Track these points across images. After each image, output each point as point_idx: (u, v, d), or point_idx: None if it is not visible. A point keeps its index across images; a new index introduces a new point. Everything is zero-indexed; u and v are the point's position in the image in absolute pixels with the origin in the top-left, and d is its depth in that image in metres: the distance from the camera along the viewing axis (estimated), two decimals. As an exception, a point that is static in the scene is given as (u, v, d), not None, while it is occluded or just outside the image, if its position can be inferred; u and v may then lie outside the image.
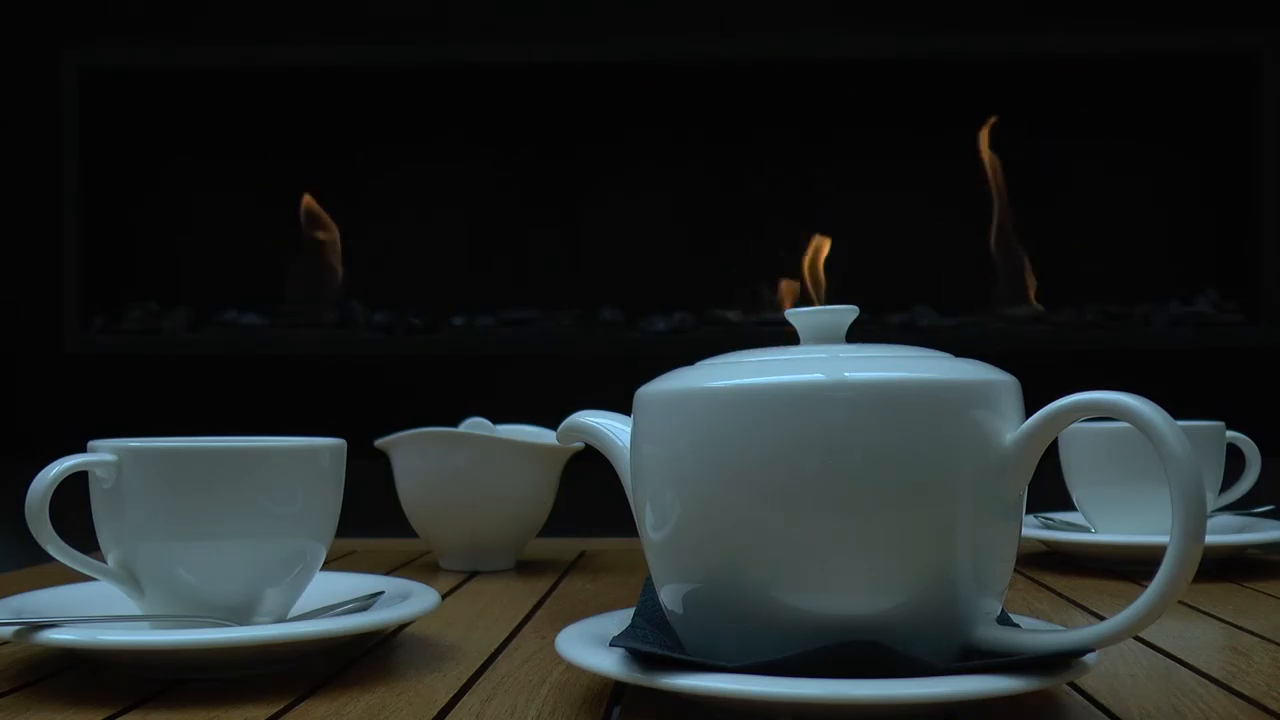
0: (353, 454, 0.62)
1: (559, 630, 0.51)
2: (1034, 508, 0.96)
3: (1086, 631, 0.43)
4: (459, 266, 2.67)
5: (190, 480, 0.55)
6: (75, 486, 0.56)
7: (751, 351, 0.48)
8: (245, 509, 0.55)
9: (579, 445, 0.81)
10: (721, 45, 2.57)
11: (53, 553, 0.55)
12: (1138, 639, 0.61)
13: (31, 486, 0.54)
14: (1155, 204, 2.62)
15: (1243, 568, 0.87)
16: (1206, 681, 0.53)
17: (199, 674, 0.53)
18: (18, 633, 0.52)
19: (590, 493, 0.98)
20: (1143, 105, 2.62)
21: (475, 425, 0.92)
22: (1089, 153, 2.62)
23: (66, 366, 2.53)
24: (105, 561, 0.57)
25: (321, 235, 2.38)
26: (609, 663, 0.45)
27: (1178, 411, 0.47)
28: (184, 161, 2.68)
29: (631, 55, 2.56)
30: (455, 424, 0.91)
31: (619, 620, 0.52)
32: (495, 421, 0.94)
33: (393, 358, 2.52)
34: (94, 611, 0.58)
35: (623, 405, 0.52)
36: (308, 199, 2.42)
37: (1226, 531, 0.89)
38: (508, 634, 0.65)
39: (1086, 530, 0.92)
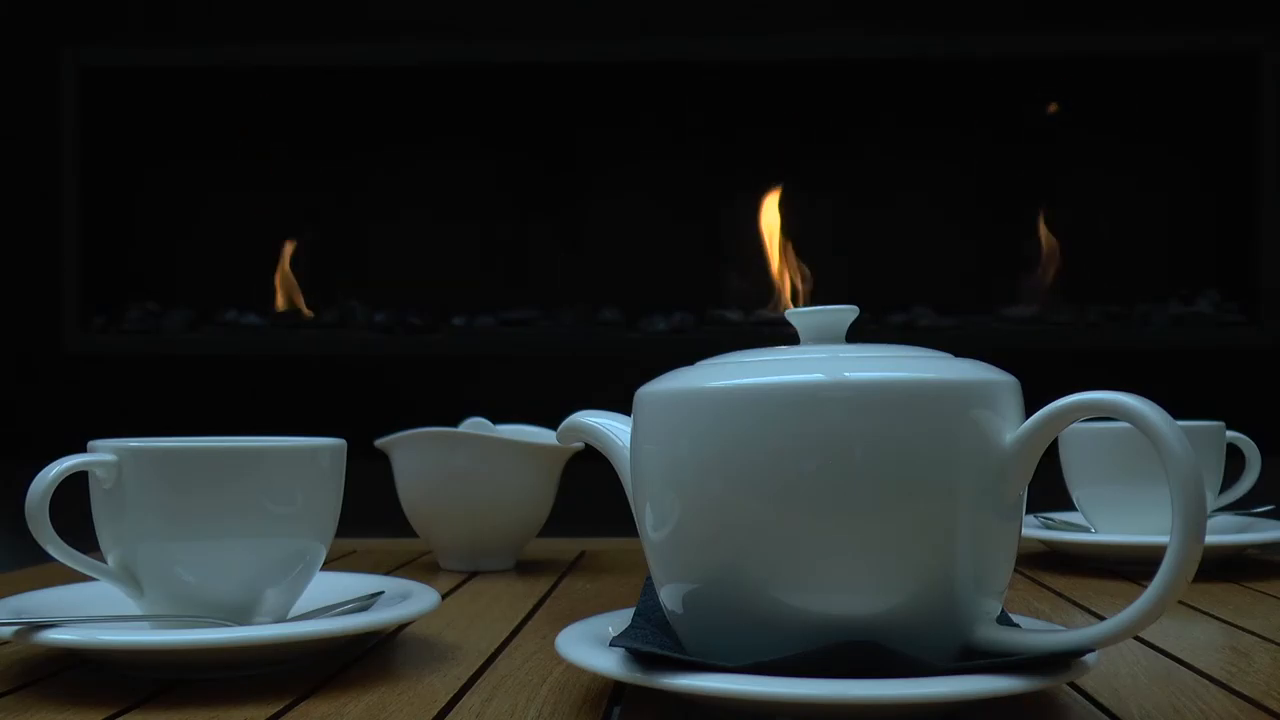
0: (353, 454, 0.62)
1: (559, 630, 0.51)
2: (1034, 508, 0.96)
3: (1086, 631, 0.43)
4: (459, 266, 2.67)
5: (190, 480, 0.55)
6: (75, 486, 0.56)
7: (751, 351, 0.48)
8: (245, 509, 0.55)
9: (579, 445, 0.81)
10: (722, 45, 2.57)
11: (53, 553, 0.55)
12: (1138, 639, 0.61)
13: (31, 486, 0.54)
14: (1155, 204, 2.62)
15: (1243, 568, 0.87)
16: (1206, 681, 0.53)
17: (199, 674, 0.53)
18: (18, 633, 0.52)
19: (590, 493, 0.98)
20: (1143, 105, 2.62)
21: (475, 425, 0.92)
22: (1089, 152, 2.62)
23: (66, 366, 2.53)
24: (105, 561, 0.57)
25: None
26: (609, 663, 0.45)
27: (1178, 411, 0.47)
28: (184, 161, 2.68)
29: (631, 55, 2.56)
30: (455, 424, 0.91)
31: (619, 620, 0.52)
32: (495, 421, 0.94)
33: (393, 358, 2.52)
34: (94, 611, 0.58)
35: (623, 405, 0.52)
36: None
37: (1226, 531, 0.89)
38: (508, 634, 0.65)
39: (1086, 530, 0.92)
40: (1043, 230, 2.55)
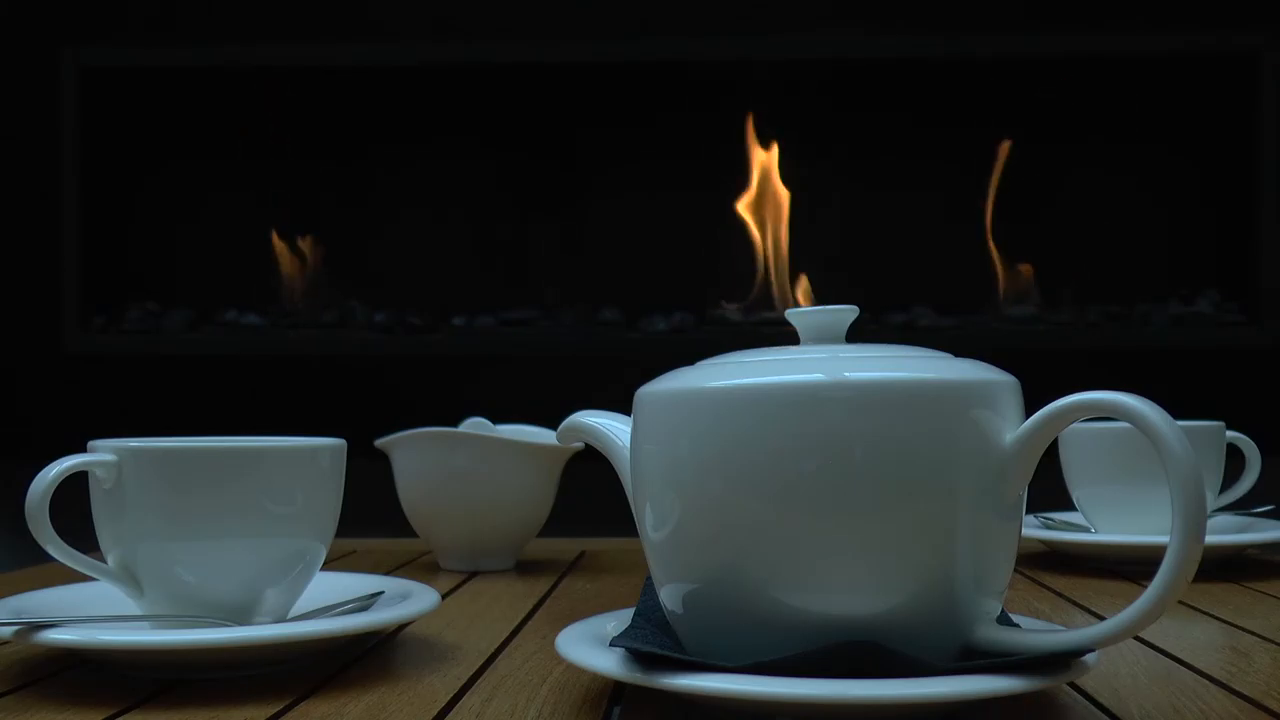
0: (353, 454, 0.62)
1: (559, 630, 0.51)
2: (1034, 508, 0.96)
3: (1086, 631, 0.43)
4: (459, 266, 2.67)
5: (190, 480, 0.55)
6: (75, 486, 0.56)
7: (751, 351, 0.48)
8: (245, 509, 0.55)
9: (579, 445, 0.81)
10: (722, 45, 2.57)
11: (53, 553, 0.55)
12: (1138, 639, 0.61)
13: (31, 486, 0.54)
14: (1155, 204, 2.62)
15: (1243, 568, 0.87)
16: (1206, 681, 0.53)
17: (199, 674, 0.53)
18: (18, 633, 0.52)
19: (590, 493, 0.98)
20: (1143, 105, 2.62)
21: (475, 425, 0.92)
22: (1089, 153, 2.62)
23: (66, 366, 2.53)
24: (105, 561, 0.57)
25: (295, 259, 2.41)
26: (609, 663, 0.45)
27: (1178, 411, 0.47)
28: (184, 161, 2.68)
29: (631, 55, 2.56)
30: (455, 424, 0.91)
31: (619, 620, 0.52)
32: (495, 421, 0.94)
33: (393, 358, 2.52)
34: (94, 611, 0.58)
35: (623, 405, 0.52)
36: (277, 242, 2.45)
37: (1226, 531, 0.89)
38: (508, 634, 0.65)
39: (1086, 530, 0.92)
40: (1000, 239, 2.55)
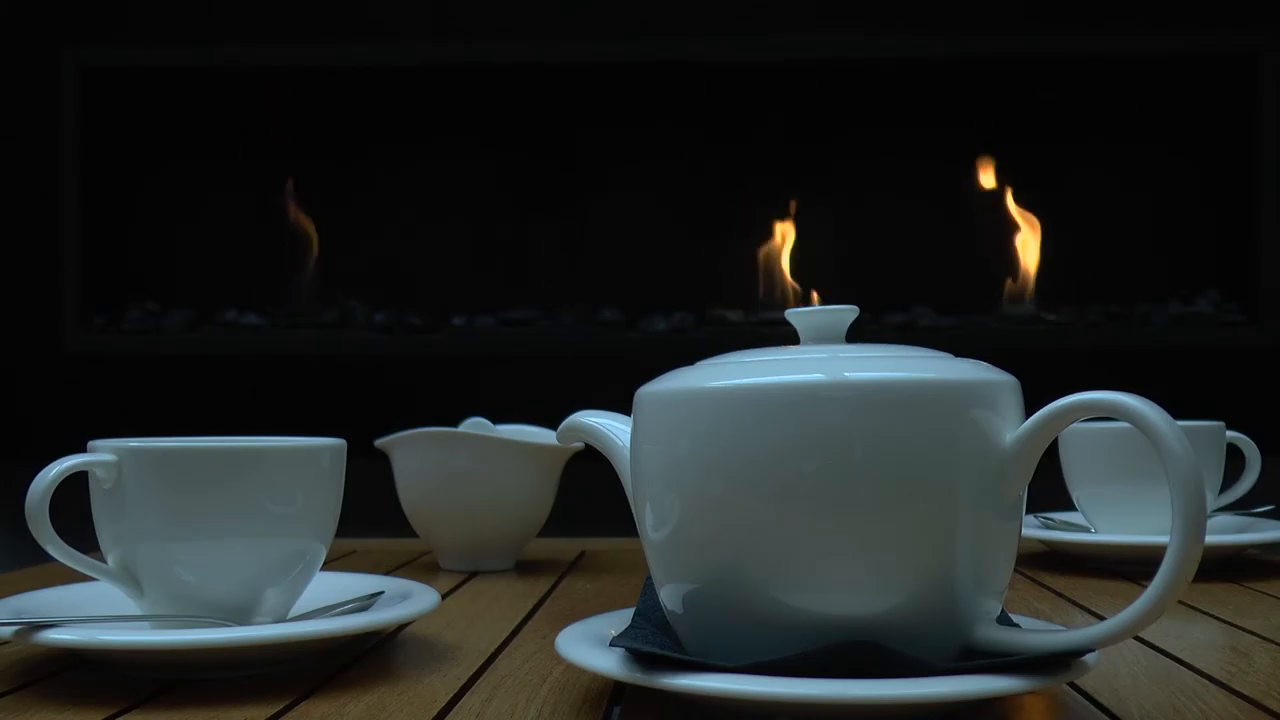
0: (353, 454, 0.62)
1: (559, 630, 0.51)
2: (1034, 508, 0.96)
3: (1086, 631, 0.43)
4: (459, 266, 2.67)
5: (190, 480, 0.55)
6: (75, 486, 0.56)
7: (751, 351, 0.48)
8: (245, 509, 0.55)
9: (579, 445, 0.81)
10: (722, 45, 2.57)
11: (53, 553, 0.55)
12: (1138, 639, 0.61)
13: (31, 486, 0.54)
14: (1155, 204, 2.62)
15: (1243, 568, 0.87)
16: (1206, 681, 0.53)
17: (199, 674, 0.53)
18: (18, 633, 0.52)
19: (590, 493, 0.98)
20: (1142, 105, 2.62)
21: (475, 425, 0.92)
22: (1089, 153, 2.62)
23: (66, 366, 2.53)
24: (105, 561, 0.57)
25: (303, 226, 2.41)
26: (609, 663, 0.45)
27: (1178, 411, 0.47)
28: (184, 161, 2.68)
29: (632, 55, 2.56)
30: (455, 424, 0.91)
31: (619, 620, 0.52)
32: (495, 421, 0.94)
33: (393, 358, 2.52)
34: (94, 611, 0.58)
35: (623, 405, 0.52)
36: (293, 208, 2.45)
37: (1226, 531, 0.89)
38: (508, 634, 0.65)
39: (1086, 530, 0.92)
40: (1037, 227, 2.55)
